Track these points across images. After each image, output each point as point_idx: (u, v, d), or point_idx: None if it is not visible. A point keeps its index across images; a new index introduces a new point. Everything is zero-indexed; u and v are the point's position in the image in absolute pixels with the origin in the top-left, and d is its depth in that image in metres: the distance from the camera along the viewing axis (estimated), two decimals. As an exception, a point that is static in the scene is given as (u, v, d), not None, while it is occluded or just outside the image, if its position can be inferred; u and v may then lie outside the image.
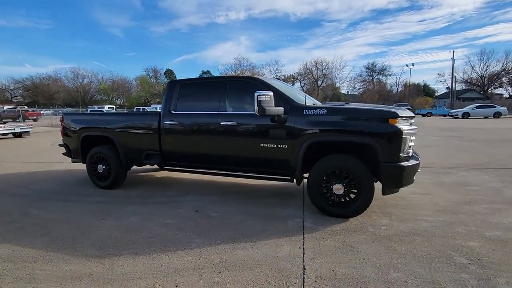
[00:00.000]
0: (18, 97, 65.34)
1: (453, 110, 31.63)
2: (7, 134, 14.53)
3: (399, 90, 58.39)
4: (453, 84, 45.18)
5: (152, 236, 3.04)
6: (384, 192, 3.24)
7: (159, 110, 4.42)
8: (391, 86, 59.81)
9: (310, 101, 4.63)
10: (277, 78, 5.65)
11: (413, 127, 3.36)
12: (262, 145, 3.62)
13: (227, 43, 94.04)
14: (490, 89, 53.76)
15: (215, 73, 63.47)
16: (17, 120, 26.31)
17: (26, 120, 28.02)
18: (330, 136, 3.32)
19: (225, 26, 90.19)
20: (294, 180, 3.60)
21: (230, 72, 57.77)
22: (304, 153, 3.40)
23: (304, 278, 2.23)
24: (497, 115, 27.67)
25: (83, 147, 4.95)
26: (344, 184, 3.27)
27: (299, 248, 2.70)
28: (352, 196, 3.30)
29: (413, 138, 3.31)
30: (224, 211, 3.71)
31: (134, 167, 5.20)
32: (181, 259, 2.55)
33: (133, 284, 2.21)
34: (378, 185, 3.30)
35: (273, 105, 3.31)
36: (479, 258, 2.43)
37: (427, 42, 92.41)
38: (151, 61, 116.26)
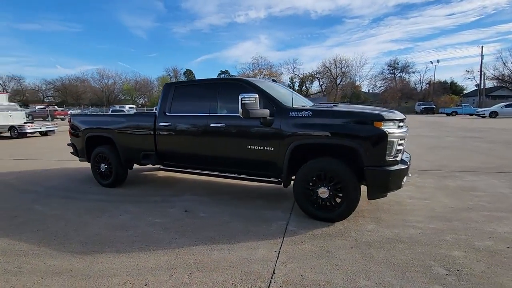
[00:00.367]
0: (49, 97, 69.16)
1: (480, 109, 29.84)
2: (34, 132, 15.49)
3: (423, 88, 55.99)
4: (482, 81, 42.73)
5: (138, 235, 3.14)
6: (369, 197, 3.15)
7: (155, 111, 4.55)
8: (415, 84, 57.44)
9: (306, 103, 4.59)
10: (273, 80, 5.58)
11: (402, 130, 3.24)
12: (249, 147, 3.64)
13: (247, 42, 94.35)
14: (524, 86, 50.31)
15: (233, 73, 63.95)
16: (46, 119, 27.92)
17: (55, 119, 29.65)
18: (314, 138, 3.28)
19: (245, 25, 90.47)
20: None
21: (248, 72, 58.00)
22: (289, 156, 3.38)
23: (270, 282, 2.23)
24: (528, 114, 25.85)
25: (88, 146, 5.19)
26: (329, 187, 3.22)
27: (275, 251, 2.70)
28: (338, 200, 3.25)
29: (401, 141, 3.20)
30: (213, 212, 3.77)
31: (139, 166, 5.40)
32: (157, 259, 2.63)
33: (106, 281, 2.31)
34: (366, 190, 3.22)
35: (258, 107, 3.31)
36: (459, 269, 2.32)
37: (456, 37, 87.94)
38: (172, 61, 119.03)
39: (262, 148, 3.56)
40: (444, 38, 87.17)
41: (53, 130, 16.43)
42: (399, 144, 3.16)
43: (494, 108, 27.83)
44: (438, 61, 49.27)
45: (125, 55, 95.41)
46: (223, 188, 4.91)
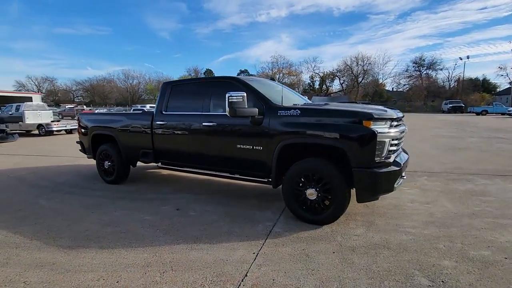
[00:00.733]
0: (79, 97, 72.93)
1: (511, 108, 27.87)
2: (60, 130, 16.36)
3: (451, 86, 53.05)
4: (518, 78, 39.79)
5: (125, 231, 3.20)
6: (358, 200, 3.01)
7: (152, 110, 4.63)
8: (443, 82, 54.49)
9: (304, 101, 4.48)
10: (271, 79, 5.52)
11: (396, 129, 3.06)
12: (239, 146, 3.59)
13: (268, 41, 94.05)
14: None
15: (253, 72, 64.00)
16: (74, 118, 29.42)
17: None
18: (302, 138, 3.17)
19: (266, 24, 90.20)
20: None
21: (267, 71, 57.89)
22: (278, 155, 3.29)
23: (240, 285, 2.18)
24: None
25: (93, 144, 5.37)
26: (317, 189, 3.11)
27: (253, 253, 2.64)
28: (327, 202, 3.13)
29: (395, 142, 3.02)
30: (203, 211, 3.76)
31: (144, 164, 5.52)
32: (136, 256, 2.66)
33: (82, 276, 2.36)
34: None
35: (246, 106, 3.26)
36: (445, 281, 2.15)
37: (489, 32, 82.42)
38: (195, 61, 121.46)
39: (251, 147, 3.51)
40: (476, 33, 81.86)
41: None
42: (392, 145, 2.99)
43: (528, 106, 25.86)
44: (468, 57, 46.52)
45: (151, 56, 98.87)
46: (221, 187, 4.90)
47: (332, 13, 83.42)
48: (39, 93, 61.66)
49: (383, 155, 2.89)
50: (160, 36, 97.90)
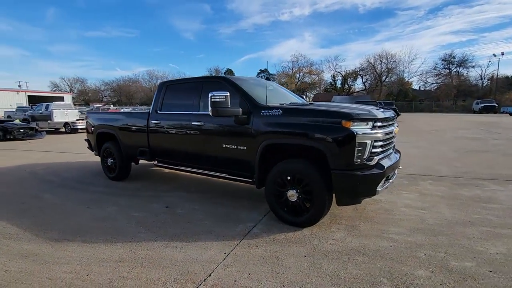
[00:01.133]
0: (107, 97, 76.43)
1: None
2: (84, 128, 17.24)
3: (484, 85, 49.76)
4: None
5: (111, 227, 3.31)
6: (338, 203, 2.91)
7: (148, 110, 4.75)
8: (476, 80, 51.15)
9: (299, 100, 4.40)
10: (266, 78, 5.45)
11: (381, 130, 2.92)
12: (224, 145, 3.60)
13: (290, 40, 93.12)
14: None
15: (273, 71, 63.80)
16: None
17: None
18: (282, 138, 3.12)
19: (288, 23, 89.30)
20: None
21: (287, 70, 57.49)
22: (260, 156, 3.26)
23: (200, 285, 2.18)
24: None
25: (98, 142, 5.61)
26: (298, 191, 3.04)
27: (225, 253, 2.63)
28: (308, 205, 3.05)
29: (379, 143, 2.88)
30: (191, 209, 3.81)
31: (147, 162, 5.67)
32: (113, 251, 2.74)
33: (57, 267, 2.48)
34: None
35: (229, 106, 3.26)
36: (413, 291, 2.03)
37: (530, 26, 76.28)
38: (217, 61, 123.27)
39: (236, 147, 3.50)
40: (516, 27, 76.09)
41: (100, 126, 18.04)
42: (375, 146, 2.85)
43: None
44: (502, 54, 43.36)
45: (175, 56, 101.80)
46: (217, 186, 4.93)
47: (357, 10, 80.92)
48: (71, 93, 65.51)
49: (364, 157, 2.78)
50: (184, 37, 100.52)
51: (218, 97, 3.21)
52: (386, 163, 2.99)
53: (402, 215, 3.41)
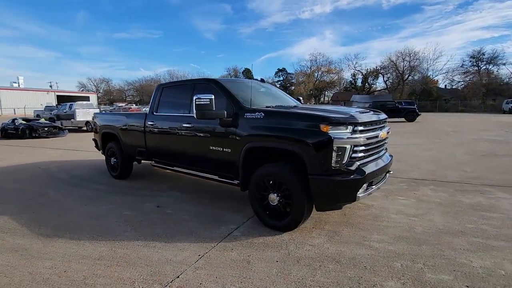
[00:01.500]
0: (130, 96, 79.19)
1: None
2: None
3: (517, 83, 46.55)
4: None
5: (101, 225, 3.44)
6: (317, 208, 2.85)
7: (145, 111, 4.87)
8: (508, 78, 47.91)
9: (294, 103, 4.35)
10: (261, 79, 5.37)
11: (364, 135, 2.83)
12: (211, 147, 3.63)
13: (311, 38, 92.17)
14: None
15: (290, 70, 63.29)
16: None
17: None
18: (262, 141, 3.10)
19: (309, 21, 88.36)
20: None
21: (305, 69, 56.83)
22: (244, 158, 3.26)
23: (167, 285, 2.22)
24: None
25: (103, 142, 5.83)
26: (278, 195, 3.02)
27: (199, 255, 2.66)
28: (288, 209, 3.02)
29: (361, 148, 2.80)
30: (180, 209, 3.88)
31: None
32: (95, 249, 2.85)
33: (40, 263, 2.61)
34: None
35: (213, 109, 3.28)
36: (376, 303, 1.95)
37: None
38: (237, 61, 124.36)
39: (221, 149, 3.52)
40: (554, 21, 70.66)
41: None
42: (356, 151, 2.77)
43: None
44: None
45: (197, 56, 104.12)
46: (212, 187, 4.96)
47: (380, 6, 78.60)
48: (96, 92, 68.51)
49: (343, 162, 2.70)
50: (205, 37, 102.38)
51: (203, 100, 3.24)
52: (369, 168, 2.90)
53: (390, 222, 3.29)
